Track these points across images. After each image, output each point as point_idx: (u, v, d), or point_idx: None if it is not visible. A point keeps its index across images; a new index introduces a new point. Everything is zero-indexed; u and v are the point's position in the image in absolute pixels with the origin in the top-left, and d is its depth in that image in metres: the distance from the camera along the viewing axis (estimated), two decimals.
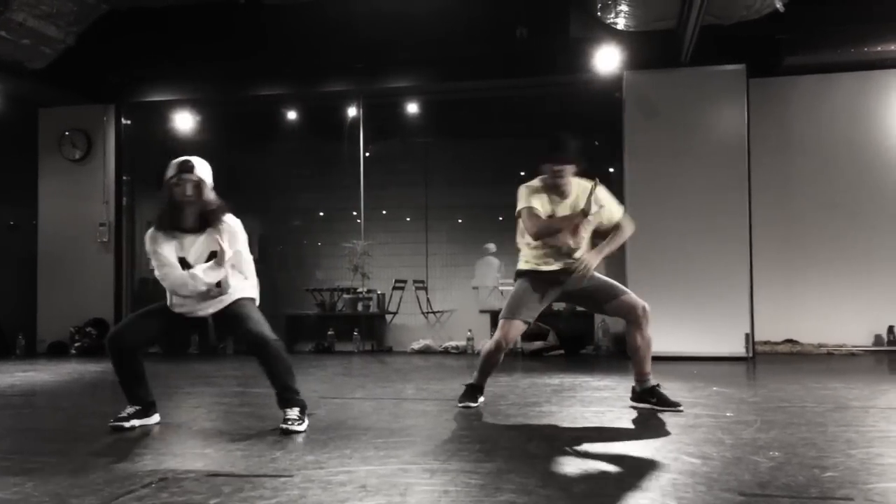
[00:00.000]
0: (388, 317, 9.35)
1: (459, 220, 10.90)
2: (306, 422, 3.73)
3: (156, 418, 3.94)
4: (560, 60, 7.73)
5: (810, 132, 7.73)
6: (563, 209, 4.18)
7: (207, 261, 3.79)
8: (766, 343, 7.45)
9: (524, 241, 4.30)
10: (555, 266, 4.18)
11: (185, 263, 3.80)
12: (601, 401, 4.62)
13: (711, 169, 7.10)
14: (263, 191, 10.40)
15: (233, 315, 3.89)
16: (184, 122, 9.42)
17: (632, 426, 3.83)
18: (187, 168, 3.82)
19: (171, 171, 3.83)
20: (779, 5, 6.19)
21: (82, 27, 7.67)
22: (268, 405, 4.62)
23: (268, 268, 10.89)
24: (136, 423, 3.81)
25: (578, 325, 8.17)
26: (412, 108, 9.13)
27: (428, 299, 9.80)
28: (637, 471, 2.93)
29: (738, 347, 6.98)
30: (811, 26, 7.12)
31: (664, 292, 6.66)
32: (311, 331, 8.95)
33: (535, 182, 4.30)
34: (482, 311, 8.74)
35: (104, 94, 8.91)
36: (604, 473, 2.82)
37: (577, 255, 4.17)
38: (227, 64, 8.32)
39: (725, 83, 7.20)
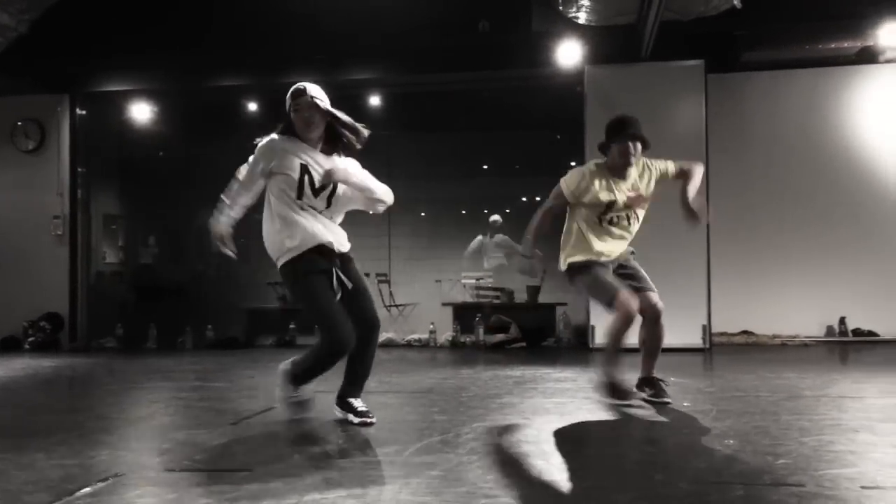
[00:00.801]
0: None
1: (422, 214, 10.89)
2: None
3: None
4: (522, 54, 7.75)
5: (766, 127, 7.87)
6: (622, 192, 4.09)
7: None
8: (722, 334, 7.58)
9: (578, 227, 4.15)
10: (615, 253, 4.12)
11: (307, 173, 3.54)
12: (562, 392, 4.66)
13: None
14: (224, 183, 10.23)
15: (353, 270, 3.61)
16: (141, 112, 9.25)
17: (591, 417, 3.87)
18: (299, 93, 3.64)
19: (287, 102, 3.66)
20: (736, 2, 6.29)
21: (35, 15, 7.48)
22: (227, 399, 4.59)
23: (228, 262, 10.78)
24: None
25: (540, 318, 8.23)
26: (374, 100, 9.08)
27: (391, 292, 9.78)
28: (595, 460, 2.97)
29: (695, 339, 7.09)
30: (768, 23, 7.23)
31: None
32: (273, 325, 8.88)
33: (592, 166, 4.15)
34: (445, 304, 8.76)
35: (58, 84, 8.70)
36: (563, 463, 2.85)
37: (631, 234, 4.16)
38: (186, 54, 8.18)
39: (684, 78, 7.29)
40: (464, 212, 10.58)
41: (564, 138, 8.84)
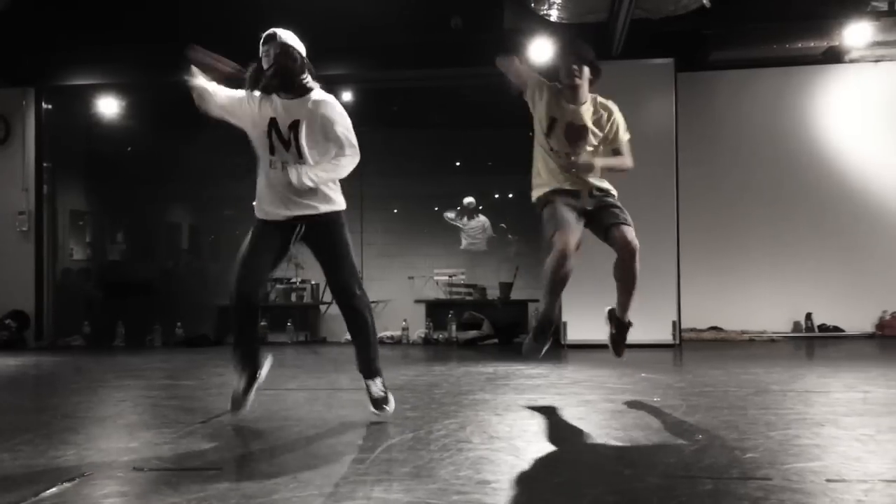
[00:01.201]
0: (323, 307, 9.26)
1: (395, 211, 10.86)
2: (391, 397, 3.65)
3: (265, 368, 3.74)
4: (494, 51, 7.67)
5: (735, 125, 7.96)
6: (571, 115, 3.98)
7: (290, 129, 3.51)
8: (691, 330, 7.66)
9: (536, 154, 4.13)
10: (568, 185, 3.99)
11: (274, 125, 3.55)
12: (534, 388, 4.68)
13: (641, 160, 7.09)
14: (193, 179, 10.14)
15: (326, 235, 3.59)
16: (108, 107, 9.10)
17: (563, 413, 3.89)
18: (270, 38, 3.65)
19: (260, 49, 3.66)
20: (706, 1, 6.35)
21: (3, 7, 7.33)
22: (196, 398, 4.54)
23: (199, 258, 10.66)
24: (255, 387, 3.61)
25: (512, 315, 8.26)
26: (346, 96, 9.01)
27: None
28: (566, 455, 2.98)
29: (665, 335, 7.16)
30: (736, 23, 7.31)
31: (593, 282, 6.76)
32: None
33: (549, 83, 4.09)
34: (417, 301, 8.75)
35: (23, 77, 8.52)
36: (534, 459, 2.86)
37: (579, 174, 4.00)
38: (154, 48, 8.05)
39: (655, 76, 7.34)
40: (436, 208, 10.57)
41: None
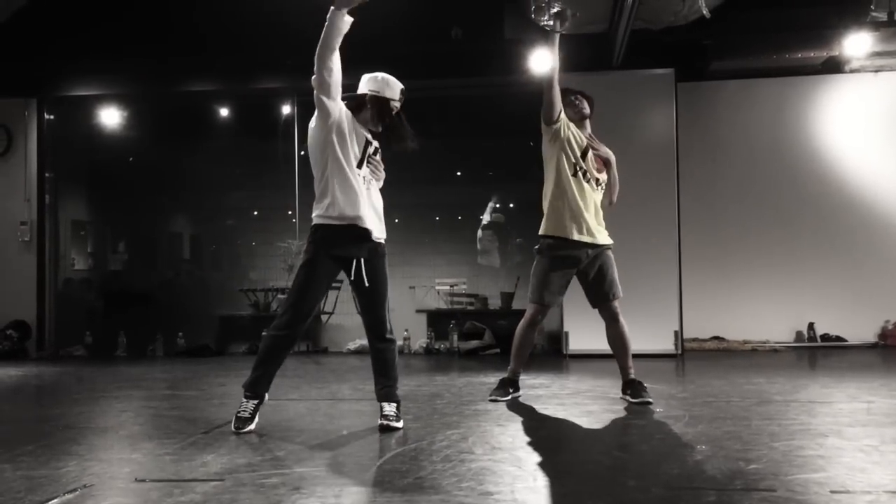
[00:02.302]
0: (324, 317, 9.25)
1: (396, 220, 10.86)
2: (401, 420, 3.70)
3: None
4: (495, 61, 7.77)
5: (735, 135, 7.97)
6: (589, 144, 4.41)
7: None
8: (694, 340, 7.65)
9: (555, 181, 4.42)
10: (584, 236, 4.31)
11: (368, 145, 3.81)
12: (536, 398, 4.67)
13: (642, 170, 7.24)
14: (195, 189, 10.15)
15: (378, 268, 3.72)
16: (110, 117, 9.14)
17: (565, 423, 3.88)
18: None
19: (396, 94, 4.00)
20: (705, 12, 6.37)
21: (3, 18, 7.37)
22: (198, 408, 4.53)
23: (200, 268, 10.67)
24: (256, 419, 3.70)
25: (514, 324, 8.21)
26: None
27: None
28: (569, 466, 2.97)
29: (667, 345, 7.14)
30: (736, 33, 7.32)
31: None
32: (245, 332, 8.80)
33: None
34: (419, 311, 8.74)
35: (26, 88, 8.55)
36: (537, 469, 2.85)
37: (600, 209, 4.43)
38: (156, 58, 8.10)
39: (655, 86, 7.36)
40: (437, 218, 10.58)
41: (537, 145, 8.86)
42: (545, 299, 4.39)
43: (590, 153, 4.41)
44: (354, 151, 3.70)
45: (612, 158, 4.52)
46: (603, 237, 4.42)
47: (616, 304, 4.39)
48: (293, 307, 3.65)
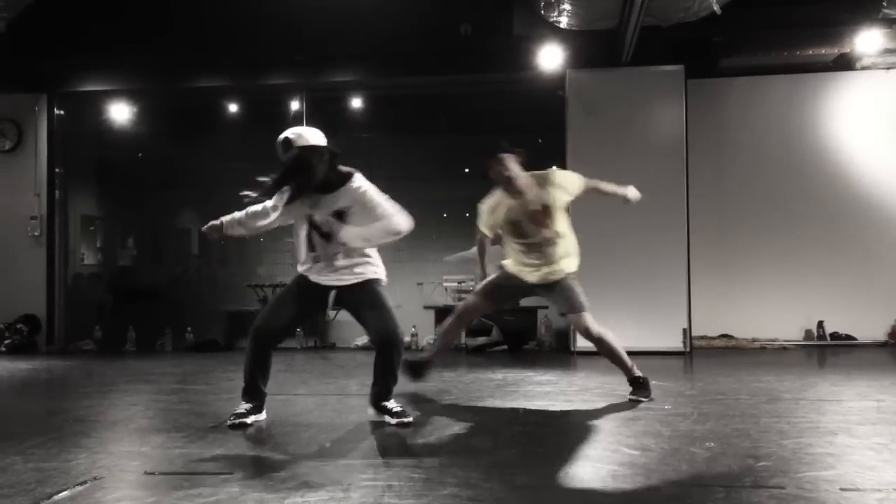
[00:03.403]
0: (332, 313, 9.28)
1: None
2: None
3: (264, 415, 3.79)
4: (504, 58, 7.76)
5: (744, 132, 7.93)
6: (523, 206, 4.28)
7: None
8: (702, 338, 7.62)
9: (509, 244, 4.45)
10: (533, 278, 4.31)
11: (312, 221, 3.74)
12: (544, 395, 4.67)
13: (651, 167, 7.22)
14: (203, 185, 10.17)
15: (368, 296, 3.74)
16: (120, 113, 9.17)
17: (573, 420, 3.88)
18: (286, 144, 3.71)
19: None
20: (716, 8, 6.34)
21: (13, 14, 7.38)
22: (207, 402, 4.55)
23: (209, 263, 10.70)
24: (253, 419, 3.69)
25: (521, 321, 8.24)
26: (355, 102, 9.06)
27: None
28: (578, 463, 2.97)
29: (675, 342, 7.13)
30: (746, 30, 7.29)
31: (605, 289, 6.75)
32: None
33: (490, 198, 4.42)
34: (426, 308, 8.74)
35: (36, 83, 8.58)
36: (545, 466, 2.85)
37: (555, 249, 4.29)
38: (165, 54, 8.12)
39: (664, 83, 7.33)
40: (445, 215, 10.57)
41: (546, 142, 8.85)
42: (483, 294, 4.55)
43: (526, 215, 4.30)
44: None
45: (580, 184, 4.43)
46: (557, 273, 4.32)
47: (583, 316, 4.24)
48: (261, 313, 3.77)
